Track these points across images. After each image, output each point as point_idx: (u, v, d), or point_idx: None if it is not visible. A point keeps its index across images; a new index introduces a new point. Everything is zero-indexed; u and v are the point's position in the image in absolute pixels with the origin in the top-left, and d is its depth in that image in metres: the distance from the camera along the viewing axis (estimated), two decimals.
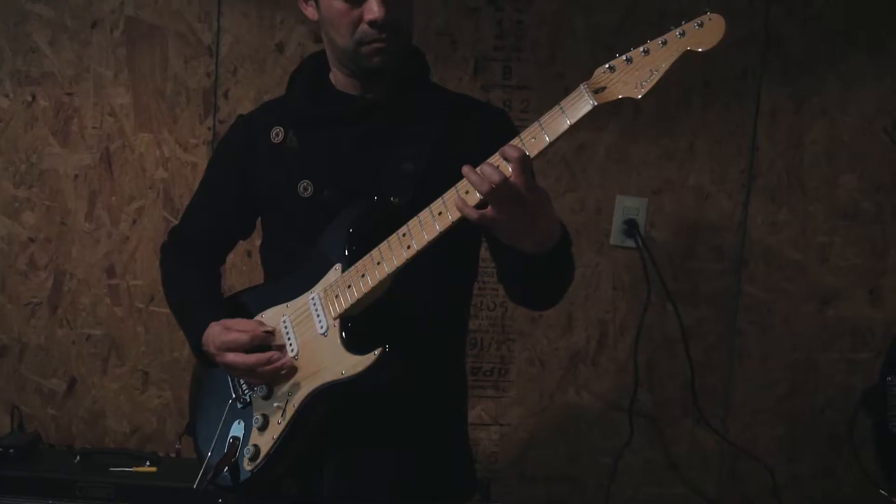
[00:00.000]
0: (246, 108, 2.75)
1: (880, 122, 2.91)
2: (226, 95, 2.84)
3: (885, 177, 2.93)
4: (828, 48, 2.88)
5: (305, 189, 1.82)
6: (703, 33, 1.45)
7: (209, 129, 2.84)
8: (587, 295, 2.95)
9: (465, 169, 1.51)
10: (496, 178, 1.47)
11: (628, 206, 2.92)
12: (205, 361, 1.87)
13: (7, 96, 2.81)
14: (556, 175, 2.90)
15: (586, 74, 1.52)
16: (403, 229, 1.65)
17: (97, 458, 2.65)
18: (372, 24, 1.70)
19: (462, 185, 1.56)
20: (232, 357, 1.75)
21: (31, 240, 2.87)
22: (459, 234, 1.63)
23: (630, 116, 2.87)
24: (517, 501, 2.98)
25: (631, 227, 2.91)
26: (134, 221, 2.87)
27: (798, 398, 3.01)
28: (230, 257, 2.75)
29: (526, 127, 1.54)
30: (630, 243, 2.92)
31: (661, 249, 2.93)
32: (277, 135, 1.88)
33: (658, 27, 1.50)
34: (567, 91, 1.51)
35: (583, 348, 2.98)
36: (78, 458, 2.62)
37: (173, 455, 2.73)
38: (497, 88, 2.87)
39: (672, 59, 1.46)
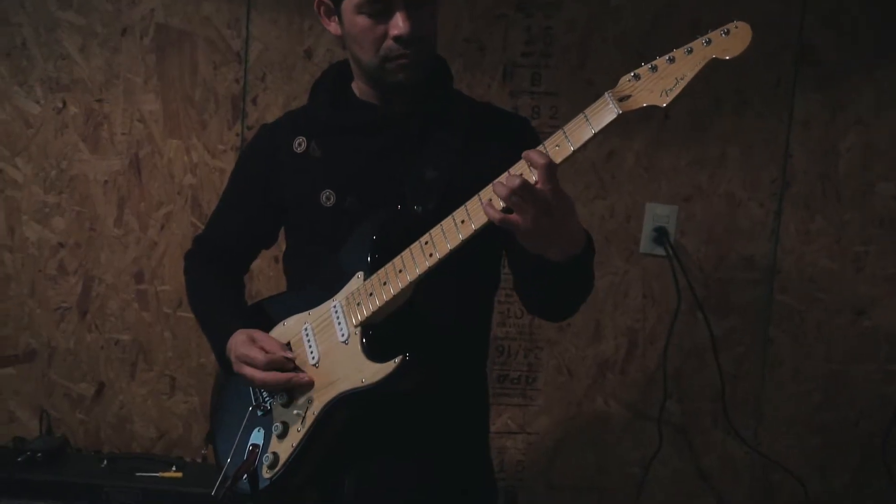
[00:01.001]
0: (274, 114, 2.76)
1: None
2: (254, 102, 2.84)
3: None
4: (862, 57, 2.83)
5: (328, 198, 1.82)
6: (729, 41, 1.43)
7: (237, 135, 2.85)
8: (616, 303, 2.92)
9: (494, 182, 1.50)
10: (519, 184, 1.45)
11: (658, 213, 2.89)
12: (228, 368, 1.87)
13: (38, 102, 2.83)
14: (585, 182, 2.87)
15: (616, 80, 1.51)
16: (426, 237, 1.64)
17: (124, 463, 2.67)
18: (397, 39, 1.69)
19: (485, 192, 1.55)
20: (248, 370, 1.75)
21: (61, 245, 2.89)
22: (482, 243, 1.61)
23: (660, 123, 2.84)
24: None
25: (661, 235, 2.88)
26: (162, 227, 2.88)
27: (832, 410, 2.96)
28: (257, 263, 2.77)
29: (554, 133, 1.52)
30: (660, 251, 2.89)
31: (692, 258, 2.90)
32: (300, 144, 1.87)
33: (688, 34, 1.49)
34: (597, 97, 1.49)
35: (611, 357, 2.95)
36: (105, 462, 2.64)
37: (199, 460, 2.74)
38: (525, 95, 2.85)
39: (698, 68, 1.44)
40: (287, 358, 1.76)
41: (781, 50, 2.83)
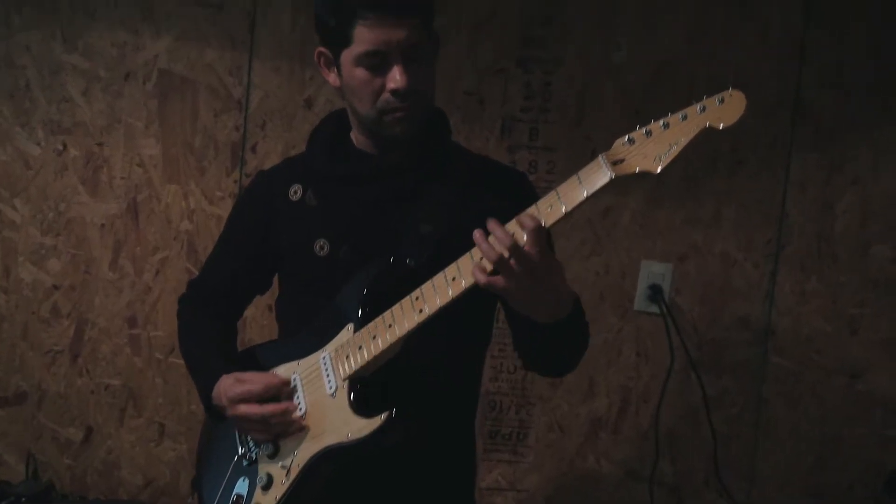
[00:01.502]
0: (273, 162, 2.76)
1: None
2: (254, 149, 2.86)
3: None
4: (859, 117, 2.84)
5: (322, 248, 1.82)
6: (723, 109, 1.43)
7: (235, 182, 2.86)
8: (609, 360, 2.91)
9: (477, 235, 1.50)
10: (507, 245, 1.45)
11: (653, 271, 2.89)
12: (214, 415, 1.86)
13: (38, 144, 2.85)
14: (581, 238, 2.88)
15: (613, 137, 1.51)
16: (417, 293, 1.64)
17: None
18: (394, 93, 1.70)
19: (476, 250, 1.55)
20: (245, 408, 1.74)
21: (56, 287, 2.88)
22: (475, 298, 1.61)
23: (656, 181, 2.82)
24: None
25: (655, 293, 2.87)
26: (157, 272, 2.88)
27: (825, 473, 2.93)
28: (250, 311, 2.77)
29: (552, 189, 1.52)
30: (654, 309, 2.88)
31: (686, 316, 2.89)
32: (296, 192, 1.88)
33: (687, 91, 1.50)
34: (594, 153, 1.50)
35: (604, 415, 2.92)
36: None
37: None
38: (523, 149, 2.87)
39: (692, 135, 1.44)
40: (281, 381, 1.75)
41: (778, 108, 2.85)
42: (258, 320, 2.85)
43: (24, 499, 2.60)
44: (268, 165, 2.68)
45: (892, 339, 2.89)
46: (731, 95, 1.44)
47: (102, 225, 2.87)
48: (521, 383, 2.92)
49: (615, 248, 2.89)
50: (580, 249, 2.87)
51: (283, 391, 1.76)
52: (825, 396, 2.91)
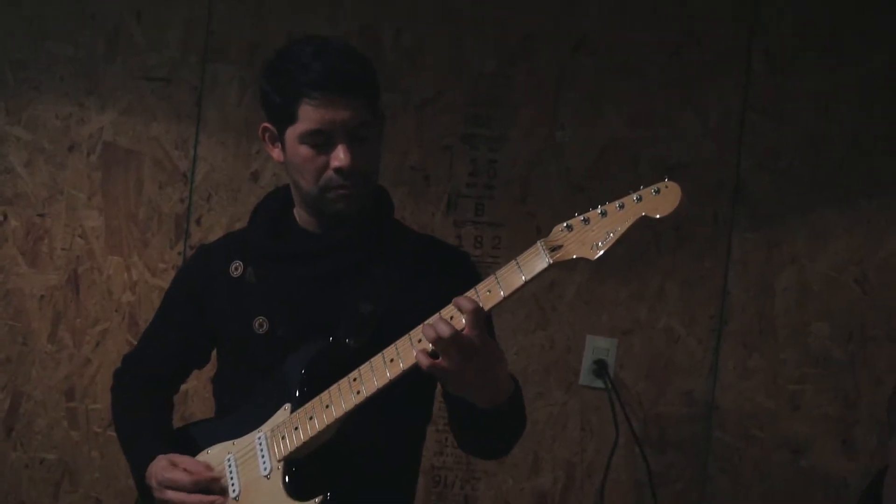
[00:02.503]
0: (217, 234, 2.75)
1: (851, 272, 2.91)
2: (198, 222, 2.85)
3: (856, 326, 2.92)
4: (797, 200, 2.90)
5: (261, 326, 1.81)
6: (659, 200, 1.46)
7: (179, 254, 2.84)
8: (554, 435, 2.90)
9: (423, 324, 1.51)
10: (447, 331, 1.46)
11: (598, 346, 2.90)
12: (145, 494, 1.82)
13: None
14: (526, 312, 2.89)
15: (558, 214, 1.54)
16: (355, 373, 1.64)
17: None
18: (338, 171, 1.71)
19: (416, 332, 1.56)
20: (171, 494, 1.71)
21: None
22: (414, 378, 1.60)
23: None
24: None
25: (601, 368, 2.88)
26: (97, 344, 2.84)
27: None
28: (192, 384, 2.75)
29: (498, 264, 1.54)
30: (599, 384, 2.89)
31: (630, 391, 2.90)
32: (237, 269, 1.87)
33: (631, 171, 1.52)
34: (539, 230, 1.52)
35: (549, 490, 2.90)
36: None
37: None
38: (469, 224, 2.89)
39: (628, 223, 1.47)
40: (211, 477, 1.72)
41: (719, 188, 2.90)
42: (200, 393, 2.81)
43: None
44: (212, 238, 2.68)
45: (832, 414, 2.92)
46: (666, 187, 1.47)
47: (42, 296, 2.83)
48: (465, 458, 2.89)
49: (560, 323, 2.90)
50: (525, 323, 2.88)
51: (214, 485, 1.73)
52: (768, 473, 2.92)
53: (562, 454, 2.91)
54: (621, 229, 1.46)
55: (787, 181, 2.90)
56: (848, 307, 2.92)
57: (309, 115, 1.70)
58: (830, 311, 2.91)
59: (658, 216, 1.45)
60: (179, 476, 1.71)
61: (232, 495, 1.70)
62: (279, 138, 1.79)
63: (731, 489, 2.92)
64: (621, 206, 1.48)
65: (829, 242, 2.91)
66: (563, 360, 2.91)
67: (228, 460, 1.74)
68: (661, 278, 2.91)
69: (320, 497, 1.58)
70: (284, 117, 1.74)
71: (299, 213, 1.88)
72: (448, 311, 1.52)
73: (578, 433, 2.91)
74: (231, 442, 1.77)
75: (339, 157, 1.70)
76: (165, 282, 2.81)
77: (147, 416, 1.96)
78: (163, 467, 1.75)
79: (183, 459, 1.76)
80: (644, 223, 1.48)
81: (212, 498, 1.70)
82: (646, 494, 2.86)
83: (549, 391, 2.90)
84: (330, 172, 1.72)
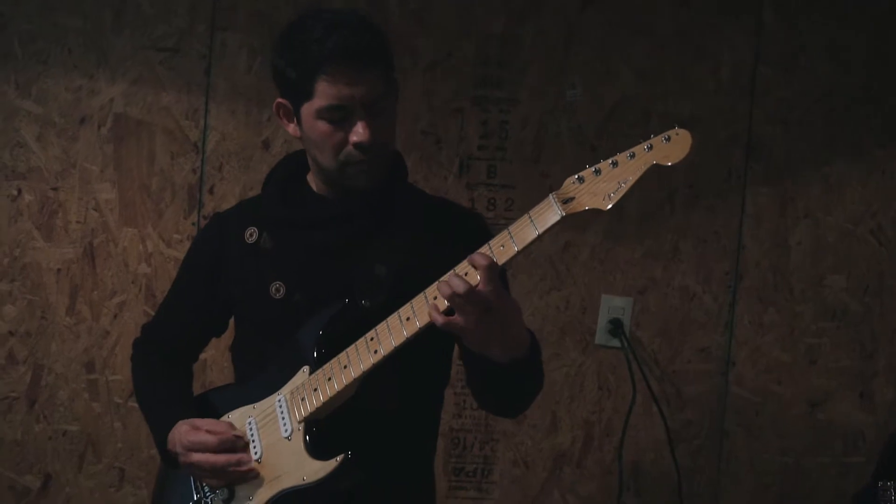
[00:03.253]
0: (230, 204, 2.75)
1: (866, 224, 2.91)
2: (211, 191, 2.85)
3: (872, 278, 2.92)
4: (810, 152, 2.89)
5: (277, 291, 1.82)
6: (669, 148, 1.46)
7: (193, 224, 2.85)
8: (572, 395, 2.91)
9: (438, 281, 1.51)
10: (462, 286, 1.46)
11: (613, 305, 2.90)
12: (169, 461, 1.84)
13: None
14: (541, 274, 2.89)
15: (570, 174, 1.53)
16: (371, 333, 1.64)
17: None
18: (357, 146, 1.70)
19: (431, 290, 1.57)
20: (198, 457, 1.72)
21: (11, 333, 2.84)
22: (431, 338, 1.61)
23: (615, 216, 2.87)
24: None
25: (616, 327, 2.89)
26: (115, 316, 2.86)
27: (789, 503, 2.94)
28: (210, 353, 2.77)
29: (499, 233, 1.54)
30: (615, 343, 2.89)
31: (647, 349, 2.91)
32: (251, 235, 1.87)
33: (642, 128, 1.52)
34: (552, 190, 1.52)
35: (568, 449, 2.92)
36: None
37: None
38: (482, 187, 2.89)
39: (640, 172, 1.47)
40: (236, 436, 1.74)
41: (732, 144, 2.89)
42: (219, 362, 2.83)
43: None
44: (225, 207, 2.67)
45: (849, 367, 2.92)
46: (677, 134, 1.46)
47: (59, 270, 2.85)
48: (484, 420, 2.91)
49: (575, 284, 2.90)
50: (540, 285, 2.89)
51: (239, 443, 1.74)
52: (786, 427, 2.93)
53: (580, 414, 2.92)
54: (633, 178, 1.46)
55: (801, 133, 2.89)
56: (864, 259, 2.91)
57: (326, 91, 1.68)
58: (846, 263, 2.91)
59: (669, 163, 1.45)
60: (204, 437, 1.73)
61: (254, 457, 1.71)
62: (295, 114, 1.77)
63: (749, 444, 2.93)
64: (632, 156, 1.47)
65: (843, 194, 2.90)
66: (579, 320, 2.91)
67: (249, 423, 1.76)
68: (675, 236, 2.91)
69: (342, 456, 1.59)
70: (300, 93, 1.73)
71: (313, 180, 1.87)
72: (462, 267, 1.52)
73: (596, 392, 2.92)
74: (251, 406, 1.78)
75: (359, 132, 1.69)
76: (180, 252, 2.82)
77: (167, 384, 1.97)
78: (185, 431, 1.76)
79: (205, 422, 1.77)
80: (655, 171, 1.47)
81: (238, 456, 1.72)
82: (664, 451, 2.88)
83: (566, 352, 2.91)
84: (349, 147, 1.71)
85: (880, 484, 2.54)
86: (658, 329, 2.92)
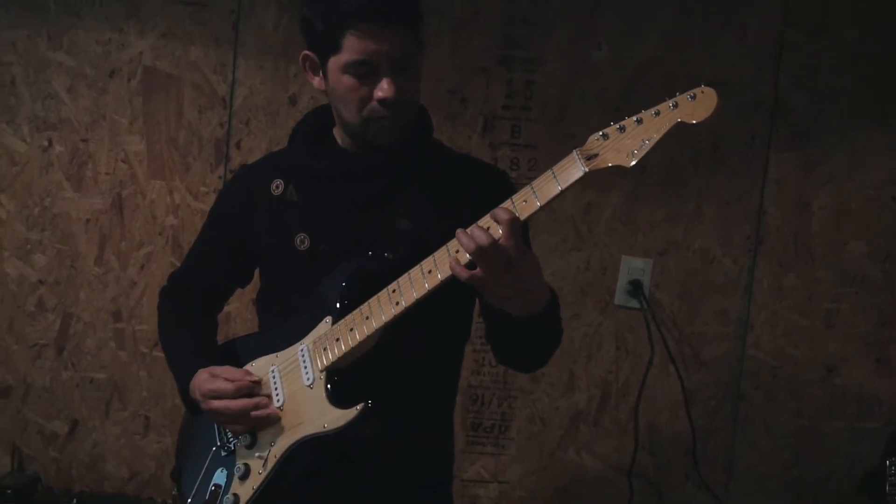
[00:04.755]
0: (257, 158, 2.78)
1: (889, 190, 2.90)
2: (238, 146, 2.88)
3: (893, 245, 2.92)
4: (836, 117, 2.89)
5: (302, 242, 1.84)
6: (695, 106, 1.46)
7: (220, 177, 2.88)
8: (590, 354, 2.94)
9: (459, 230, 1.53)
10: (484, 239, 1.48)
11: (633, 266, 2.92)
12: (191, 408, 1.89)
13: (24, 141, 2.87)
14: (562, 234, 2.91)
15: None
16: (393, 285, 1.67)
17: (94, 502, 2.65)
18: (382, 102, 1.71)
19: (453, 244, 1.58)
20: (217, 404, 1.77)
21: (41, 282, 2.90)
22: (452, 293, 1.63)
23: (637, 178, 2.89)
24: None
25: (636, 288, 2.91)
26: (142, 267, 2.91)
27: (802, 466, 2.97)
28: (234, 306, 2.82)
29: (523, 188, 1.55)
30: (634, 304, 2.92)
31: (665, 311, 2.93)
32: (278, 187, 1.90)
33: (667, 90, 1.52)
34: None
35: (584, 408, 2.96)
36: (75, 502, 2.63)
37: (170, 502, 2.73)
38: (505, 147, 2.90)
39: (664, 130, 1.47)
40: (253, 382, 1.78)
41: (756, 107, 2.89)
42: (242, 315, 2.88)
43: (9, 491, 2.62)
44: (252, 161, 2.71)
45: (867, 333, 2.93)
46: (702, 92, 1.46)
47: (87, 220, 2.90)
48: (502, 377, 2.95)
49: (596, 244, 2.92)
50: (561, 245, 2.91)
51: (256, 389, 1.78)
52: (802, 391, 2.95)
53: (597, 373, 2.95)
54: (657, 136, 1.46)
55: (827, 99, 2.88)
56: (885, 226, 2.91)
57: (353, 46, 1.69)
58: (867, 229, 2.91)
59: (694, 121, 1.45)
60: (221, 385, 1.77)
61: (276, 404, 1.75)
62: (321, 67, 1.79)
63: (764, 407, 2.96)
64: (657, 114, 1.48)
65: (867, 160, 2.89)
66: (599, 280, 2.94)
67: (272, 372, 1.80)
68: (697, 199, 2.92)
69: (362, 405, 1.63)
70: (327, 46, 1.74)
71: (339, 134, 1.89)
72: (485, 221, 1.53)
73: (613, 352, 2.95)
74: (274, 355, 1.82)
75: (384, 88, 1.70)
76: (207, 205, 2.86)
77: (191, 333, 2.00)
78: (204, 379, 1.80)
79: (223, 369, 1.81)
80: (679, 133, 1.48)
81: (256, 400, 1.76)
82: (680, 412, 2.91)
83: (585, 312, 2.93)
84: (374, 103, 1.72)
85: (888, 461, 2.57)
86: (677, 291, 2.94)
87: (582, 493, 2.97)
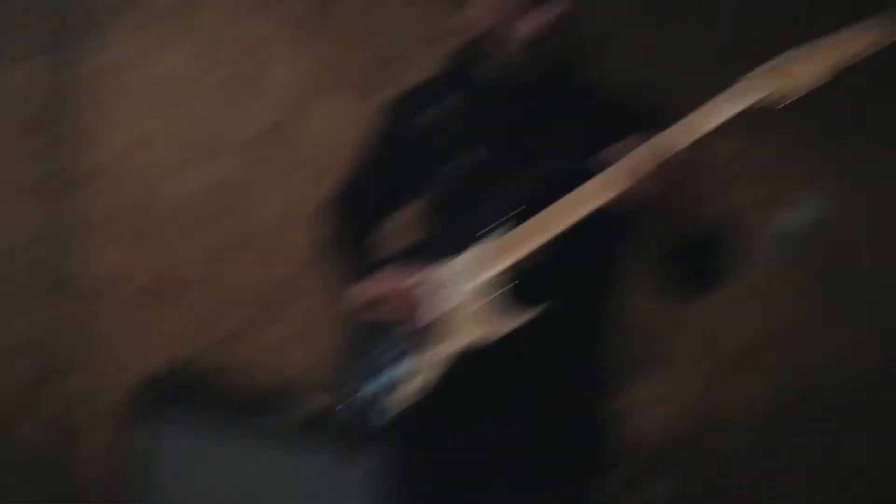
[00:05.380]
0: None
1: None
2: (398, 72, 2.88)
3: None
4: None
5: (464, 159, 1.84)
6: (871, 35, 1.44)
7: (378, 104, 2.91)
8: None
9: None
10: (654, 154, 1.55)
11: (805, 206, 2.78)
12: (360, 311, 1.92)
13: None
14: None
15: None
16: (562, 200, 1.69)
17: None
18: (531, 33, 1.73)
19: (621, 162, 1.61)
20: (387, 305, 1.83)
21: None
22: (618, 217, 1.66)
23: (811, 115, 2.74)
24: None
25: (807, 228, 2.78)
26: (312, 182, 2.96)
27: None
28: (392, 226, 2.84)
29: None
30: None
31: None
32: (437, 109, 1.90)
33: None
34: None
35: None
36: None
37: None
38: None
39: (843, 58, 1.45)
40: (425, 286, 1.82)
41: None
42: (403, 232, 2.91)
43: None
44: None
45: None
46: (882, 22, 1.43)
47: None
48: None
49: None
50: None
51: (426, 294, 1.82)
52: None
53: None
54: (833, 66, 1.46)
55: None
56: None
57: None
58: None
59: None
60: (393, 287, 1.83)
61: (446, 310, 1.79)
62: None
63: None
64: (831, 43, 1.47)
65: None
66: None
67: (443, 277, 1.82)
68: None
69: (527, 314, 1.67)
70: None
71: (495, 59, 1.85)
72: (653, 140, 1.57)
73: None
74: (445, 262, 1.83)
75: (535, 17, 1.72)
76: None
77: (354, 244, 2.07)
78: (376, 281, 1.86)
79: (395, 273, 1.85)
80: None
81: (423, 301, 1.80)
82: None
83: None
84: (524, 33, 1.74)
85: None
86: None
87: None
